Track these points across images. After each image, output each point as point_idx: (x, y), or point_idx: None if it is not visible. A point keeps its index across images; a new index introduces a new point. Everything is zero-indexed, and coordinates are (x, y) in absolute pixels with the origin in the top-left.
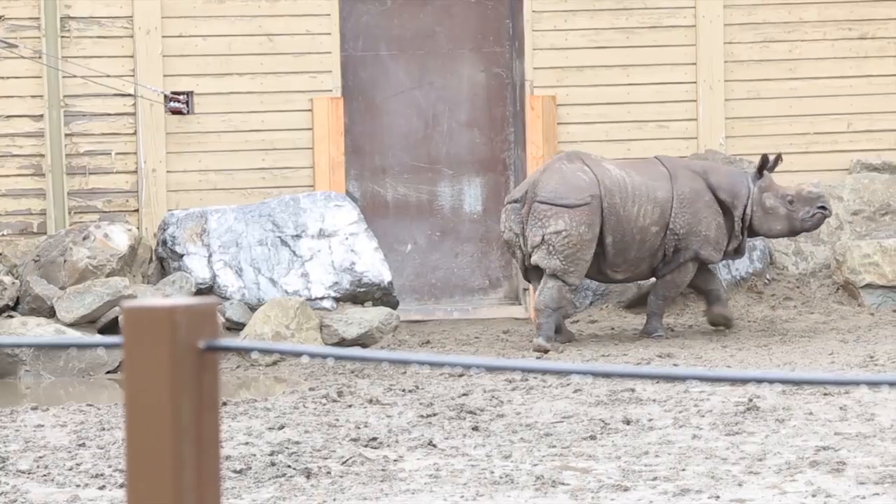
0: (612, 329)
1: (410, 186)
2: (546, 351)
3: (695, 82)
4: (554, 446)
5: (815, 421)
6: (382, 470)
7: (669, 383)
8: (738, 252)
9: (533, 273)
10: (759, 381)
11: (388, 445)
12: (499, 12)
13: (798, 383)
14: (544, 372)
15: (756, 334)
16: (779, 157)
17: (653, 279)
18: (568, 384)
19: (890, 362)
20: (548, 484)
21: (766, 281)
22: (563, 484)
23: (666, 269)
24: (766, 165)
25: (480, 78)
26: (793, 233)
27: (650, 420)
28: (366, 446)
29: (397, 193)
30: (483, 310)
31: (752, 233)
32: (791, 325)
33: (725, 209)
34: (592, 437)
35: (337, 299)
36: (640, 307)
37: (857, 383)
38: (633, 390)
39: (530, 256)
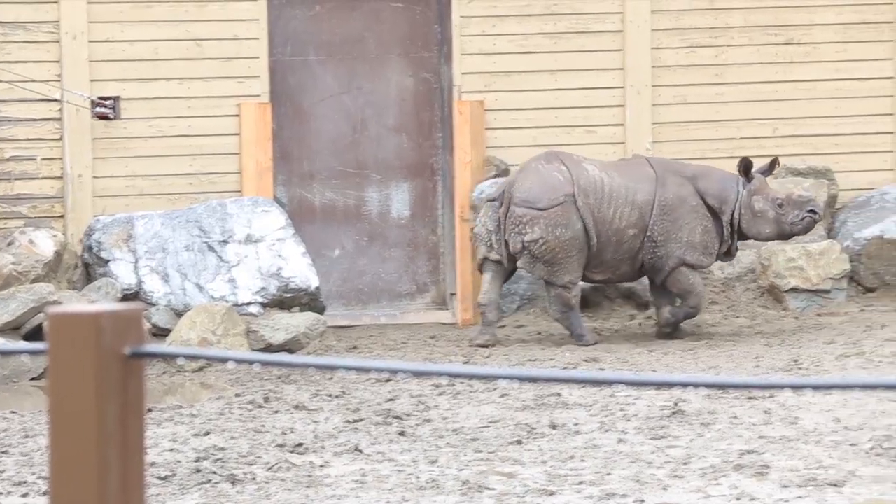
0: (539, 334)
1: (338, 191)
2: (589, 344)
3: (622, 87)
4: (480, 451)
5: (740, 424)
6: (308, 476)
7: (596, 387)
8: (728, 255)
9: (489, 265)
10: (685, 385)
11: (314, 451)
12: (427, 17)
13: (723, 387)
14: (471, 377)
15: (682, 339)
16: (775, 161)
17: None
18: (495, 389)
19: (814, 366)
20: (474, 489)
21: None
22: (489, 489)
23: (659, 278)
24: (749, 169)
25: (409, 83)
26: (782, 236)
27: (576, 424)
28: (292, 452)
29: (325, 199)
30: (410, 315)
31: (742, 236)
32: (717, 329)
33: (714, 213)
34: (519, 442)
35: (264, 305)
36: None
37: (781, 387)
38: (559, 395)
39: (511, 258)
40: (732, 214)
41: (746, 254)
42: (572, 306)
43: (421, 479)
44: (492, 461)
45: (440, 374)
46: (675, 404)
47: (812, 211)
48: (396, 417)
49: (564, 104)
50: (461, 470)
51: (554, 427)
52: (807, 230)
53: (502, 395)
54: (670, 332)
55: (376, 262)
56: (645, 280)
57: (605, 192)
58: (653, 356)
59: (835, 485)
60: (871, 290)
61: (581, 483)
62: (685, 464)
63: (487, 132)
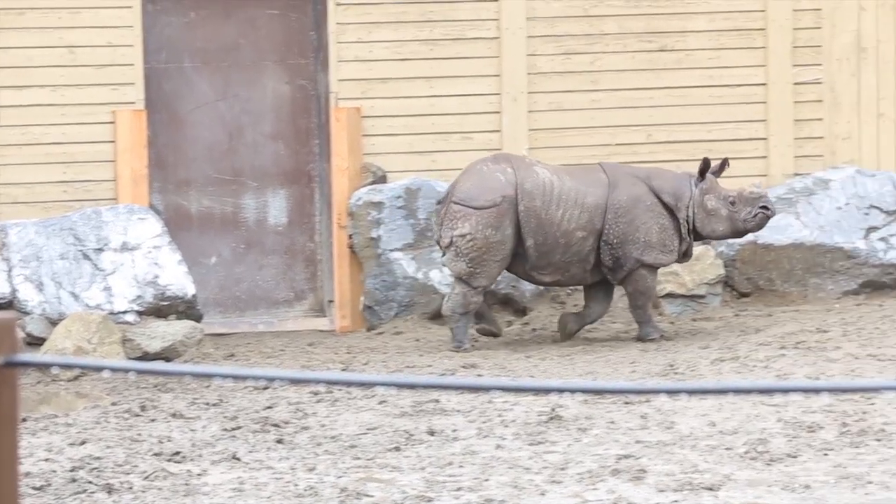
0: (417, 340)
1: (215, 199)
2: (463, 351)
3: (498, 94)
4: (358, 458)
5: (617, 429)
6: (185, 484)
7: (474, 394)
8: (685, 255)
9: None
10: (562, 390)
11: (191, 459)
12: (303, 24)
13: (600, 392)
14: (349, 384)
15: (559, 344)
16: (725, 162)
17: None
18: (373, 396)
19: (689, 371)
20: (352, 496)
21: (570, 291)
22: (367, 496)
23: (617, 277)
24: (707, 169)
25: (285, 90)
26: (736, 234)
27: (454, 431)
28: (169, 460)
29: (201, 206)
30: (288, 322)
31: (697, 236)
32: (593, 335)
33: (671, 212)
34: (397, 449)
35: (140, 313)
36: (439, 318)
37: (657, 392)
38: (437, 401)
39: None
40: (687, 212)
41: None
42: (468, 311)
43: (299, 487)
44: (370, 468)
45: (318, 382)
46: (553, 410)
47: (764, 207)
48: (274, 425)
49: (441, 111)
50: (339, 477)
51: (432, 433)
52: (760, 227)
53: (380, 402)
54: (649, 334)
55: (253, 270)
56: (522, 285)
57: (553, 195)
58: (530, 362)
59: (710, 489)
60: (745, 295)
61: (459, 489)
62: (563, 469)
63: (364, 139)
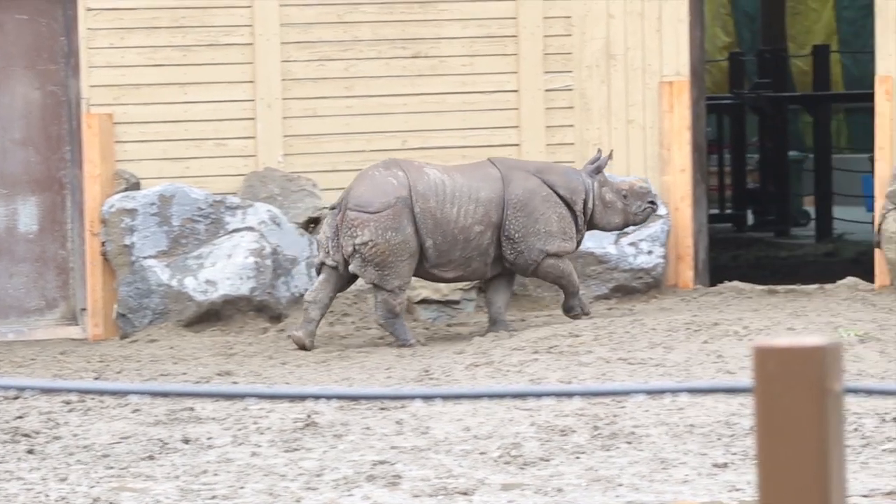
0: (172, 348)
1: None
2: (413, 346)
3: (253, 100)
4: (112, 467)
5: (373, 435)
6: None
7: (229, 401)
8: (576, 245)
9: (326, 269)
10: (318, 397)
11: None
12: (53, 29)
13: (356, 398)
14: (102, 392)
15: (315, 351)
16: (610, 155)
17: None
18: (126, 405)
19: (444, 376)
20: None
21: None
22: None
23: (527, 273)
24: (605, 162)
25: (35, 96)
26: (626, 226)
27: (209, 439)
28: None
29: None
30: (39, 331)
31: (592, 226)
32: (349, 341)
33: (566, 204)
34: (151, 458)
35: None
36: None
37: (412, 397)
38: (192, 409)
39: (346, 263)
40: (585, 205)
41: None
42: (397, 313)
43: (50, 498)
44: (123, 477)
45: (70, 391)
46: (309, 416)
47: (652, 202)
48: (25, 435)
49: (194, 117)
50: (92, 487)
51: (187, 442)
52: (645, 220)
53: (134, 411)
54: (578, 313)
55: (3, 278)
56: (276, 293)
57: (446, 194)
58: (286, 369)
59: (465, 493)
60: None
61: (214, 497)
62: (318, 476)
63: (117, 145)
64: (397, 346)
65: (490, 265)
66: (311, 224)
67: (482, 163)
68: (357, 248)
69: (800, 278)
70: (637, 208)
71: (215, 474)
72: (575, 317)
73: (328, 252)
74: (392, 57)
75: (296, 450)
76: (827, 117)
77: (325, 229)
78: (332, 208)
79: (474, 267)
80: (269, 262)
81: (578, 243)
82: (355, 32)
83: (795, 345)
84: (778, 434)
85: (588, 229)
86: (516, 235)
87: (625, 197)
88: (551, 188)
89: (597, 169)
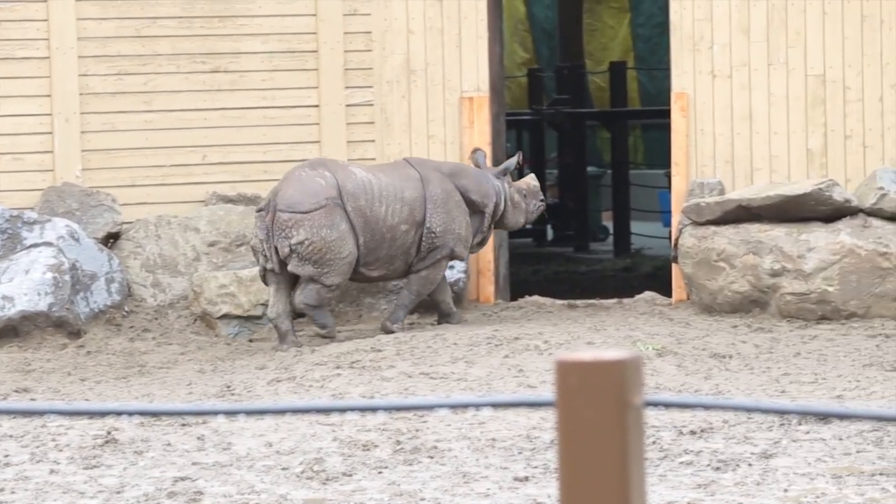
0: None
1: None
2: (333, 334)
3: (50, 114)
4: None
5: (174, 452)
6: None
7: (27, 418)
8: (481, 245)
9: (271, 277)
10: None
11: None
12: None
13: (156, 414)
14: None
15: (115, 367)
16: (519, 158)
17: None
18: None
19: (246, 391)
20: None
21: (125, 313)
22: None
23: (421, 266)
24: (521, 164)
25: None
26: (526, 224)
27: (6, 456)
28: None
29: None
30: None
31: (500, 226)
32: (150, 357)
33: (475, 208)
34: None
35: None
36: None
37: (214, 413)
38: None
39: (283, 264)
40: (496, 207)
41: (179, 281)
42: (323, 304)
43: None
44: None
45: None
46: (109, 433)
47: (542, 200)
48: None
49: None
50: None
51: None
52: (538, 216)
53: None
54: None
55: None
56: (75, 308)
57: (374, 192)
58: (85, 385)
59: None
60: (301, 316)
61: None
62: (118, 493)
63: None
64: (321, 333)
65: (411, 265)
66: (111, 239)
67: (400, 163)
68: (293, 248)
69: (599, 293)
70: (533, 206)
71: (13, 492)
72: (398, 330)
73: (266, 256)
74: (191, 71)
75: (95, 467)
76: (624, 133)
77: (256, 233)
78: (260, 210)
79: (396, 265)
80: (67, 277)
81: (482, 242)
82: (154, 47)
83: (597, 359)
84: (579, 447)
85: (496, 228)
86: (438, 230)
87: (525, 196)
88: (463, 193)
89: (504, 170)
